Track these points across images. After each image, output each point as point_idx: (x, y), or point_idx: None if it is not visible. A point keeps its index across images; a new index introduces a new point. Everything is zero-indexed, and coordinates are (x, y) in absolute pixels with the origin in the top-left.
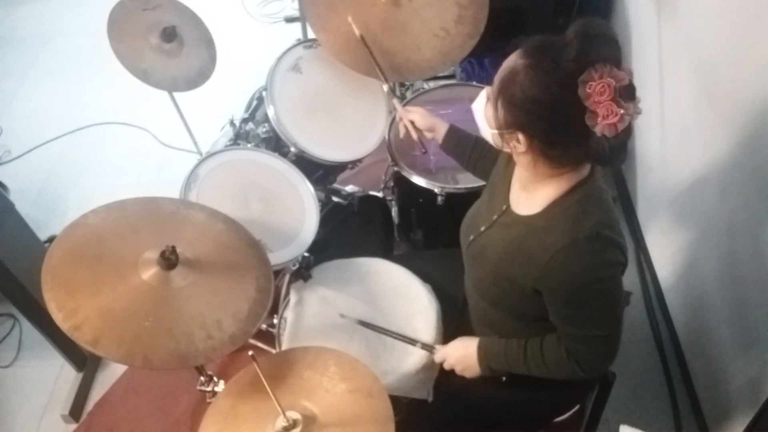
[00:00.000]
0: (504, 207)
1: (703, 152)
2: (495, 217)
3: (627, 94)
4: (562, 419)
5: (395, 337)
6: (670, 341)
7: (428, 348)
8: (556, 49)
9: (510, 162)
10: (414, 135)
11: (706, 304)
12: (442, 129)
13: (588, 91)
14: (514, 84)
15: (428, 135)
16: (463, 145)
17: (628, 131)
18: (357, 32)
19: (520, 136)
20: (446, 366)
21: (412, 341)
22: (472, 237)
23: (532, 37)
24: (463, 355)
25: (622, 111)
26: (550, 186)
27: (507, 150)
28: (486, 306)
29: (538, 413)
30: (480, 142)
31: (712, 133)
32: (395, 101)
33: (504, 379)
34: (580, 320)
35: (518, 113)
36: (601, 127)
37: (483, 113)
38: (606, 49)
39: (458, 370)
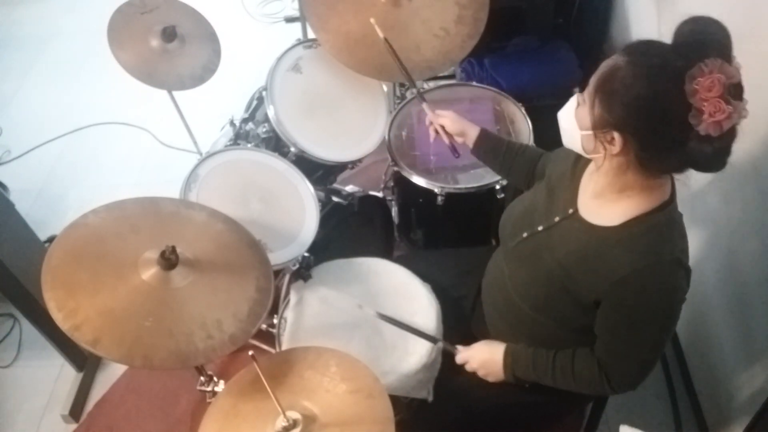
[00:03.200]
0: (570, 211)
1: None
2: (557, 218)
3: (736, 92)
4: (562, 420)
5: (415, 333)
6: (670, 341)
7: (450, 348)
8: (662, 46)
9: (579, 162)
10: (445, 139)
11: (706, 304)
12: (473, 133)
13: (695, 87)
14: (614, 80)
15: (459, 140)
16: (496, 150)
17: (732, 133)
18: (381, 35)
19: (616, 136)
20: (468, 368)
21: (434, 339)
22: (525, 234)
23: (636, 39)
24: (487, 359)
25: (730, 109)
26: (633, 200)
27: (597, 155)
28: (525, 308)
29: (538, 414)
30: (513, 147)
31: None
32: (425, 106)
33: (527, 386)
34: (631, 340)
35: (617, 110)
36: (706, 125)
37: (572, 117)
38: (717, 43)
39: (481, 374)
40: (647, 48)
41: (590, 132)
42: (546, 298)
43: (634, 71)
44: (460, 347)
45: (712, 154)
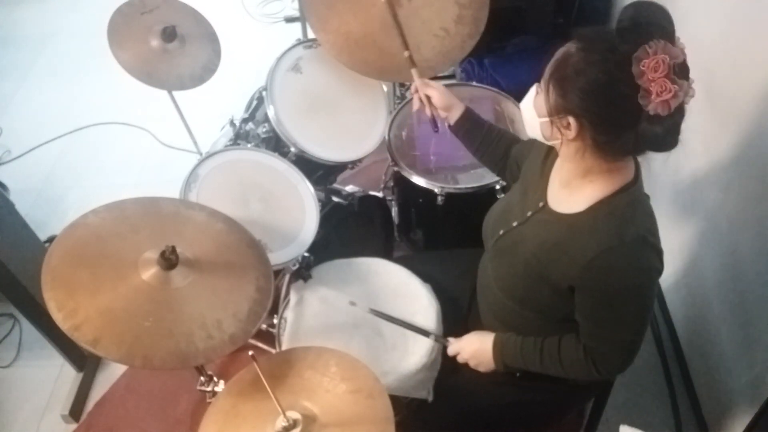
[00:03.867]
0: (541, 204)
1: (703, 151)
2: (530, 213)
3: (681, 71)
4: (562, 419)
5: (407, 327)
6: (670, 341)
7: (441, 340)
8: (609, 32)
9: (548, 158)
10: (428, 111)
11: (706, 304)
12: (458, 110)
13: (642, 68)
14: (566, 66)
15: (442, 114)
16: (476, 131)
17: (681, 111)
18: None
19: (571, 120)
20: (459, 359)
21: (425, 332)
22: (501, 231)
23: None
24: (477, 349)
25: (676, 87)
26: (596, 185)
27: (555, 141)
28: (510, 303)
29: (538, 414)
30: (493, 130)
31: (713, 132)
32: (414, 71)
33: (518, 375)
34: (609, 323)
35: (570, 95)
36: (654, 104)
37: (532, 106)
38: (659, 27)
39: (472, 364)
40: (596, 34)
41: (547, 119)
42: (525, 290)
43: (584, 57)
44: (451, 339)
45: (663, 133)
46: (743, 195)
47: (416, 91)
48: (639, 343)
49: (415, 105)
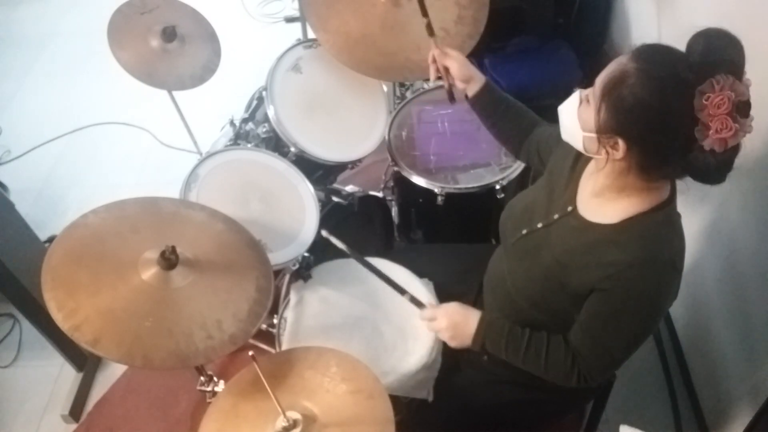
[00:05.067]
0: (569, 208)
1: None
2: (556, 216)
3: (744, 109)
4: (562, 419)
5: (376, 273)
6: (670, 341)
7: (417, 303)
8: (674, 55)
9: (579, 162)
10: (445, 83)
11: (706, 304)
12: (477, 83)
13: (704, 102)
14: (623, 86)
15: (460, 86)
16: (495, 106)
17: (737, 148)
18: None
19: (620, 142)
20: (433, 327)
21: (401, 290)
22: (524, 231)
23: (644, 43)
24: (459, 321)
25: (737, 126)
26: (632, 200)
27: (599, 156)
28: (522, 303)
29: (538, 414)
30: (512, 109)
31: None
32: (432, 41)
33: (485, 358)
34: (610, 331)
35: (623, 117)
36: (711, 140)
37: (575, 115)
38: (730, 60)
39: (446, 336)
40: (658, 56)
41: (594, 135)
42: (542, 294)
43: (643, 81)
44: (428, 304)
45: (714, 167)
46: (744, 195)
47: (434, 61)
48: (623, 362)
49: (432, 76)
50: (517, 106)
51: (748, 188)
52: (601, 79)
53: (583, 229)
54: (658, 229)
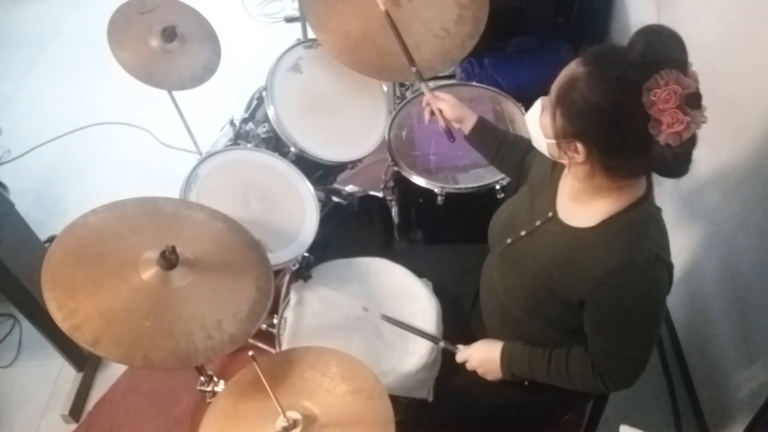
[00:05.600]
0: (550, 214)
1: (703, 153)
2: (538, 223)
3: (693, 101)
4: (562, 419)
5: (418, 334)
6: (670, 341)
7: (451, 347)
8: (619, 55)
9: (557, 167)
10: (441, 123)
11: (706, 304)
12: (470, 121)
13: (653, 98)
14: (573, 91)
15: (455, 126)
16: (491, 139)
17: (693, 140)
18: (382, 7)
19: (579, 146)
20: (468, 367)
21: (435, 339)
22: (509, 240)
23: (592, 45)
24: (486, 358)
25: (688, 119)
26: (607, 200)
27: (563, 161)
28: (517, 312)
29: (538, 414)
30: (508, 138)
31: (713, 134)
32: (423, 86)
33: (526, 383)
34: (618, 338)
35: (578, 122)
36: (665, 135)
37: (537, 123)
38: (672, 55)
39: (480, 372)
40: (604, 58)
41: (554, 141)
42: (533, 300)
43: (591, 84)
44: (460, 346)
45: (674, 161)
46: (744, 196)
47: (427, 104)
48: (647, 357)
49: (427, 117)
50: (512, 135)
51: (748, 188)
52: (554, 86)
53: (563, 233)
54: (637, 227)
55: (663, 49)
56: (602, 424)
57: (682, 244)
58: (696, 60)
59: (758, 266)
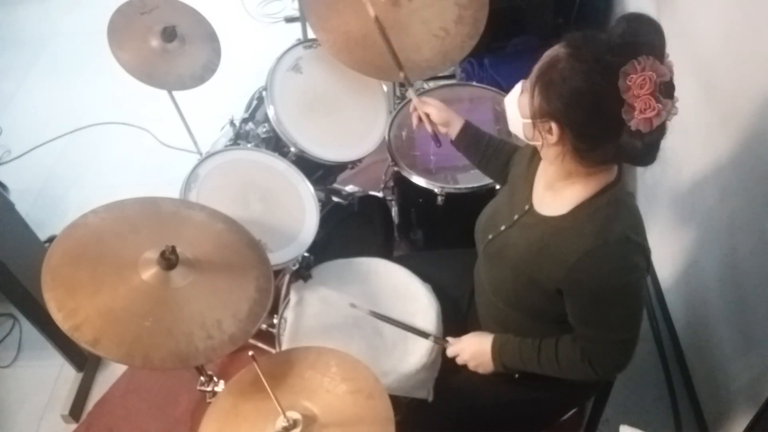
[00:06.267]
0: (526, 207)
1: (702, 152)
2: (516, 216)
3: (667, 90)
4: (562, 419)
5: (406, 329)
6: (670, 341)
7: (441, 341)
8: (600, 40)
9: (533, 161)
10: (428, 128)
11: (706, 304)
12: (457, 125)
13: (628, 83)
14: (554, 71)
15: (442, 130)
16: (477, 143)
17: (662, 129)
18: (371, 12)
19: (553, 126)
20: (459, 361)
21: (425, 334)
22: (490, 236)
23: (576, 31)
24: (477, 350)
25: (659, 106)
26: (578, 186)
27: (536, 143)
28: (502, 306)
29: (538, 413)
30: (494, 142)
31: (712, 133)
32: (410, 91)
33: (516, 376)
34: (600, 323)
35: (555, 101)
36: (636, 121)
37: (516, 104)
38: (650, 42)
39: (471, 365)
40: (586, 42)
41: (530, 120)
42: (516, 293)
43: (572, 64)
44: (451, 340)
45: (642, 148)
46: (743, 195)
47: (414, 109)
48: (634, 341)
49: (415, 122)
50: (497, 140)
51: (748, 188)
52: (536, 66)
53: (539, 224)
54: (605, 210)
55: (642, 35)
56: (602, 424)
57: (682, 244)
58: (696, 59)
59: (758, 266)
